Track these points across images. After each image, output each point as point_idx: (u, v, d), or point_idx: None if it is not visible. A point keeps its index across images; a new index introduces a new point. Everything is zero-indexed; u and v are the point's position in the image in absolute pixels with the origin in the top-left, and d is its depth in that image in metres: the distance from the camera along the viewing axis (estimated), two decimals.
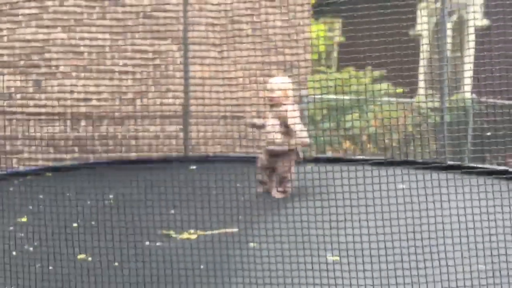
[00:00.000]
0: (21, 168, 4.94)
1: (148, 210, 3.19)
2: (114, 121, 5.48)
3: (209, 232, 2.69)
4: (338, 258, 2.32)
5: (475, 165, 5.10)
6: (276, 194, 3.77)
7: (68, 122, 5.22)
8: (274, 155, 3.80)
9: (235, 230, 2.72)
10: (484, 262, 2.19)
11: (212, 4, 5.96)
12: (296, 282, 2.05)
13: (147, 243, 2.53)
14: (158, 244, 2.54)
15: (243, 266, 2.23)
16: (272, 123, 3.81)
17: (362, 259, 2.20)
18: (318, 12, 9.35)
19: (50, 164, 5.01)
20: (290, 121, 3.73)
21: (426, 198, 2.60)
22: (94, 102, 5.34)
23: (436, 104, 7.39)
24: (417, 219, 2.45)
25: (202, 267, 2.22)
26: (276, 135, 3.75)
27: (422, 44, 8.69)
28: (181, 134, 5.76)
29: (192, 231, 2.71)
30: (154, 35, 5.57)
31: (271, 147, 3.80)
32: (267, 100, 3.95)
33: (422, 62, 8.64)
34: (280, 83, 4.00)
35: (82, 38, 5.20)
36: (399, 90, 8.31)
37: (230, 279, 2.13)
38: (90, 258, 2.32)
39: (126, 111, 5.54)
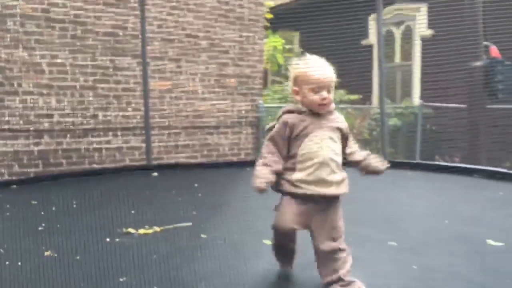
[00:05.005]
0: None
1: (109, 212, 3.46)
2: (77, 135, 5.66)
3: (165, 227, 2.95)
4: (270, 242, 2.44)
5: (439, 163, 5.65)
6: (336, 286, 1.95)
7: (31, 138, 5.38)
8: (317, 203, 1.98)
9: (189, 224, 3.00)
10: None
11: (170, 21, 6.26)
12: (243, 271, 2.30)
13: (108, 239, 2.77)
14: (117, 240, 2.78)
15: (194, 254, 2.50)
16: (327, 144, 1.99)
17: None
18: (275, 26, 9.76)
19: (15, 178, 5.17)
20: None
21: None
22: (56, 118, 5.51)
23: (389, 110, 7.82)
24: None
25: (154, 257, 2.47)
26: (335, 165, 1.99)
27: (373, 53, 9.15)
28: (143, 145, 5.99)
29: (147, 226, 2.97)
30: (114, 51, 5.81)
31: (325, 190, 1.97)
32: (318, 104, 2.00)
33: (375, 70, 9.09)
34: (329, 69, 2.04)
35: (43, 57, 5.39)
36: (355, 96, 8.75)
37: (181, 267, 2.38)
38: (55, 255, 2.54)
39: (88, 125, 5.74)
